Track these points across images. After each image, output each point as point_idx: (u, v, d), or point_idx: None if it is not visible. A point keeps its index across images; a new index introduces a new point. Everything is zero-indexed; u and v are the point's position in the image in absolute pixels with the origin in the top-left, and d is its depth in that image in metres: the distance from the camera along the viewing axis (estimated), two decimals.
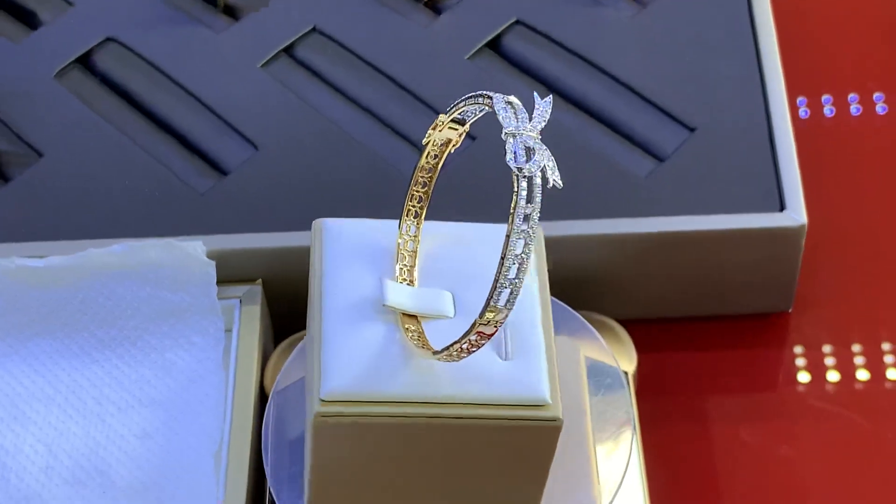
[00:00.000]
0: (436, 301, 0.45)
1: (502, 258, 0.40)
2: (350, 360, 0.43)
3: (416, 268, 0.46)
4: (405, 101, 0.60)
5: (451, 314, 0.44)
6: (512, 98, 0.42)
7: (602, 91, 0.60)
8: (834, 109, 0.66)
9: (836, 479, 0.54)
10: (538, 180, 0.40)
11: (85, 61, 0.62)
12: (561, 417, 0.42)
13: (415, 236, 0.46)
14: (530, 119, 0.42)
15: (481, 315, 0.40)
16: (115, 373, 0.54)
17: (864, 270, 0.60)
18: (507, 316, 0.40)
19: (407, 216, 0.46)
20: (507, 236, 0.40)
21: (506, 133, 0.41)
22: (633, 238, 0.55)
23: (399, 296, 0.44)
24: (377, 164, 0.58)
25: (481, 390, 0.42)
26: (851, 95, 0.66)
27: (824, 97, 0.66)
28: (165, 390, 0.54)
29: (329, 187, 0.57)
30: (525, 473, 0.44)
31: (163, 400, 0.53)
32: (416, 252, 0.46)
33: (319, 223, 0.47)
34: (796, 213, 0.55)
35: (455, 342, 0.41)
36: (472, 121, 0.44)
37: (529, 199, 0.40)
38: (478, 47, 0.62)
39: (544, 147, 0.41)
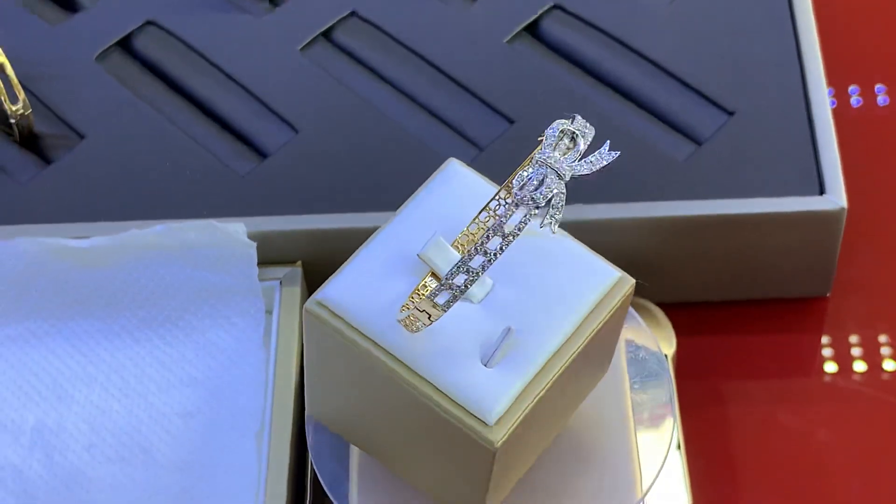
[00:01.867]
0: None
1: (460, 261, 0.41)
2: (360, 285, 0.44)
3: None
4: (443, 84, 0.61)
5: (476, 300, 0.44)
6: (577, 130, 0.43)
7: (640, 75, 0.60)
8: (861, 100, 0.66)
9: (874, 463, 0.54)
10: (528, 219, 0.41)
11: (125, 44, 0.63)
12: (497, 445, 0.41)
13: (500, 216, 0.46)
14: (580, 159, 0.42)
15: (426, 297, 0.41)
16: (157, 352, 0.55)
17: None
18: (438, 315, 0.41)
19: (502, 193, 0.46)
20: (472, 244, 0.41)
21: (536, 159, 0.42)
22: (672, 221, 0.55)
23: (437, 254, 0.44)
24: (416, 147, 0.58)
25: (438, 374, 0.42)
26: (878, 86, 0.66)
27: (851, 87, 0.66)
28: (206, 370, 0.54)
29: (368, 170, 0.58)
30: (465, 472, 0.44)
31: (204, 379, 0.54)
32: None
33: (448, 161, 0.47)
34: (836, 197, 0.55)
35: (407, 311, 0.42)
36: (591, 133, 0.44)
37: (512, 223, 0.41)
38: (515, 31, 0.62)
39: (562, 192, 0.42)
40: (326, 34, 0.63)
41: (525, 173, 0.42)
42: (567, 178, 0.42)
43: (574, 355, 0.43)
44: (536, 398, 0.42)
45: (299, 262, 0.56)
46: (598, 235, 0.55)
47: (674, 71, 0.60)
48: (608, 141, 0.44)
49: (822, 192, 0.55)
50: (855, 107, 0.65)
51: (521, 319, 0.43)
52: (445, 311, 0.41)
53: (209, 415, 0.53)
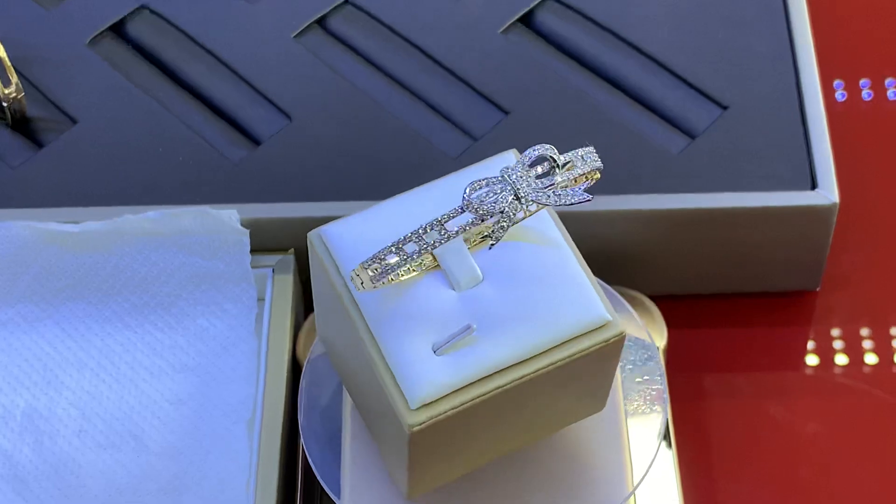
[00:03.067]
0: (459, 265, 0.44)
1: (394, 243, 0.42)
2: (361, 233, 0.44)
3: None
4: (437, 73, 0.61)
5: (459, 288, 0.44)
6: (562, 158, 0.43)
7: (634, 68, 0.60)
8: (846, 94, 0.66)
9: (863, 456, 0.55)
10: (468, 226, 0.42)
11: (118, 29, 0.63)
12: (412, 429, 0.41)
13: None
14: (547, 188, 0.42)
15: (361, 263, 0.42)
16: (148, 338, 0.55)
17: (893, 252, 0.60)
18: (369, 286, 0.42)
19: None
20: (417, 230, 0.42)
21: (503, 171, 0.42)
22: (665, 214, 0.55)
23: None
24: (409, 136, 0.58)
25: (388, 341, 0.42)
26: (863, 81, 0.66)
27: (836, 82, 0.66)
28: (198, 357, 0.54)
29: (361, 158, 0.57)
30: (393, 446, 0.44)
31: (195, 366, 0.54)
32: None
33: (508, 151, 0.46)
34: (828, 192, 0.55)
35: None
36: (584, 168, 0.44)
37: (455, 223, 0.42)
38: (510, 22, 0.62)
39: (513, 212, 0.42)
40: (320, 21, 0.63)
41: (482, 180, 0.42)
42: (525, 201, 0.42)
43: (530, 377, 0.42)
44: (471, 402, 0.42)
45: (292, 250, 0.56)
46: (591, 227, 0.55)
47: (668, 64, 0.60)
48: (586, 182, 0.44)
49: (814, 186, 0.56)
50: (842, 101, 0.66)
51: (492, 323, 0.43)
52: (374, 284, 0.42)
53: (200, 402, 0.53)
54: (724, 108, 0.59)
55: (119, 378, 0.53)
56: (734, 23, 0.61)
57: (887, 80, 0.66)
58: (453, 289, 0.44)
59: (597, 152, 0.57)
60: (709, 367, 0.57)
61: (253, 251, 0.55)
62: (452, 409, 0.42)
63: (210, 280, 0.55)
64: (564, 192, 0.43)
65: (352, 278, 0.42)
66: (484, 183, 0.42)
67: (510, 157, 0.46)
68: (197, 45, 0.62)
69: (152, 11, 0.63)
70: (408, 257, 0.42)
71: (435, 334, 0.43)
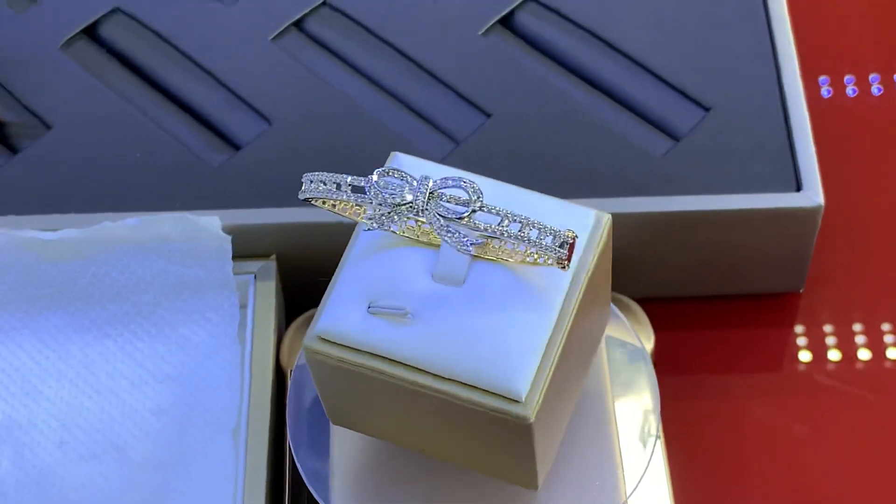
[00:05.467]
0: (450, 259, 0.43)
1: (333, 175, 0.43)
2: (413, 171, 0.45)
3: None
4: (418, 76, 0.60)
5: (434, 276, 0.43)
6: (475, 203, 0.42)
7: (616, 69, 0.60)
8: (831, 90, 0.66)
9: (848, 456, 0.55)
10: (359, 201, 0.43)
11: (91, 32, 0.62)
12: (306, 349, 0.43)
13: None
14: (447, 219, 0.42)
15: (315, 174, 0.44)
16: (128, 348, 0.54)
17: (876, 252, 0.61)
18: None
19: None
20: (340, 175, 0.43)
21: (421, 178, 0.42)
22: (650, 217, 0.55)
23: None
24: (391, 139, 0.58)
25: (344, 276, 0.44)
26: (847, 77, 0.66)
27: (821, 78, 0.66)
28: (179, 366, 0.53)
29: (342, 161, 0.57)
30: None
31: (177, 375, 0.53)
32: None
33: (594, 211, 0.46)
34: (813, 193, 0.55)
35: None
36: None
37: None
38: (491, 23, 0.61)
39: (406, 216, 0.42)
40: (298, 24, 0.62)
41: (399, 172, 0.42)
42: (414, 211, 0.42)
43: (411, 387, 0.42)
44: (351, 366, 0.43)
45: (274, 256, 0.55)
46: None
47: (650, 65, 0.60)
48: (466, 258, 0.43)
49: (798, 188, 0.55)
50: (825, 97, 0.66)
51: (430, 323, 0.42)
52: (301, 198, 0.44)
53: (183, 411, 0.52)
54: (707, 109, 0.58)
55: (99, 388, 0.53)
56: (715, 24, 0.61)
57: (871, 76, 0.66)
58: (431, 274, 0.43)
59: (580, 154, 0.57)
60: (695, 368, 0.57)
61: (234, 257, 0.54)
62: (335, 359, 0.43)
63: (191, 288, 0.54)
64: (456, 229, 0.42)
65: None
66: (398, 176, 0.42)
67: (589, 214, 0.45)
68: (173, 48, 0.61)
69: (126, 14, 0.62)
70: (323, 191, 0.43)
71: (384, 297, 0.43)
